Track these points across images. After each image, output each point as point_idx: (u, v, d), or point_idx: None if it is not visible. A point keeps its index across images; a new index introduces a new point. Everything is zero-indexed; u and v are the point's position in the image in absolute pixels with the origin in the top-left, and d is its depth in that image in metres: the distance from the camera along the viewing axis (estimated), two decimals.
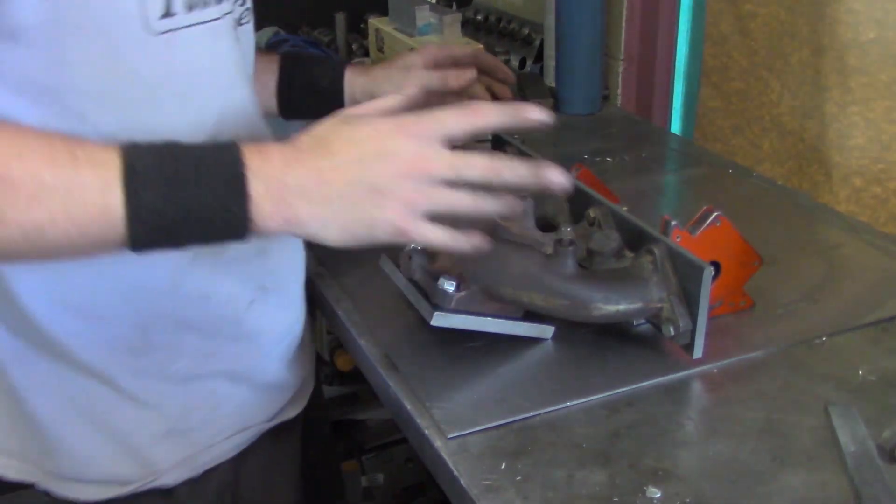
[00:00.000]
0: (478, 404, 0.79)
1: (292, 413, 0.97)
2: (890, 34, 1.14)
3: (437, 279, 0.84)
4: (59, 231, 0.61)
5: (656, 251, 0.83)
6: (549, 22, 1.58)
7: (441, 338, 0.87)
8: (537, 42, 1.72)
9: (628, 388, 0.81)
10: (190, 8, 0.72)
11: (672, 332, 0.82)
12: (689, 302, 0.81)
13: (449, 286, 0.83)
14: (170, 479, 0.85)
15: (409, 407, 0.80)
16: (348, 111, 0.71)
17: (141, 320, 0.79)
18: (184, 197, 0.62)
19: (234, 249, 0.76)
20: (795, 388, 0.81)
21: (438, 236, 0.69)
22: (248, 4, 0.85)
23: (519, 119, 0.69)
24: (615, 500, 0.68)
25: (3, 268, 0.75)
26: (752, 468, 0.72)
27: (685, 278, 0.81)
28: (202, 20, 0.73)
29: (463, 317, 0.84)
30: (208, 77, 0.76)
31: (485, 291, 0.84)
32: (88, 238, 0.62)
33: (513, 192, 0.70)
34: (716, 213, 0.88)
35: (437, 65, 1.11)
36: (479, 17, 1.88)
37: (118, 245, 0.63)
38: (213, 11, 0.74)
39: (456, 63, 1.12)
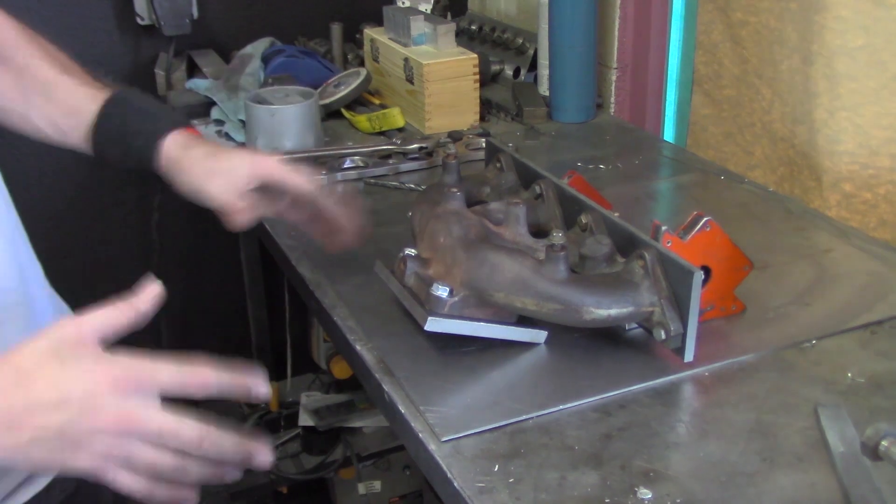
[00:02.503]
0: (471, 408, 0.80)
1: (26, 495, 0.84)
2: (877, 41, 1.15)
3: (430, 285, 0.85)
4: None
5: (647, 256, 0.84)
6: (543, 31, 1.59)
7: (435, 343, 0.88)
8: (531, 51, 1.73)
9: (620, 391, 0.82)
10: None
11: (663, 336, 0.83)
12: (680, 306, 0.82)
13: (442, 292, 0.84)
14: None
15: (403, 411, 0.81)
16: (64, 331, 0.64)
17: None
18: None
19: None
20: (785, 391, 0.82)
21: (135, 487, 0.65)
22: None
23: (238, 392, 0.67)
24: (607, 501, 0.69)
25: None
26: (742, 469, 0.72)
27: (676, 283, 0.82)
28: None
29: (456, 322, 0.85)
30: None
31: (478, 296, 0.85)
32: None
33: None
34: (706, 219, 0.89)
35: (267, 186, 0.94)
36: (473, 27, 1.89)
37: None
38: None
39: (292, 197, 0.95)
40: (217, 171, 0.91)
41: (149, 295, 0.67)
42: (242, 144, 1.45)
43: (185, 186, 0.92)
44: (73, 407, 0.61)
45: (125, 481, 0.64)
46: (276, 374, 2.16)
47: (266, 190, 0.93)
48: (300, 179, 0.93)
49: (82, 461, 0.63)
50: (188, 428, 0.64)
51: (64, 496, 0.89)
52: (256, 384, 0.67)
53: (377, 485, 1.93)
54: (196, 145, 0.94)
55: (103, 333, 0.65)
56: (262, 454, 0.67)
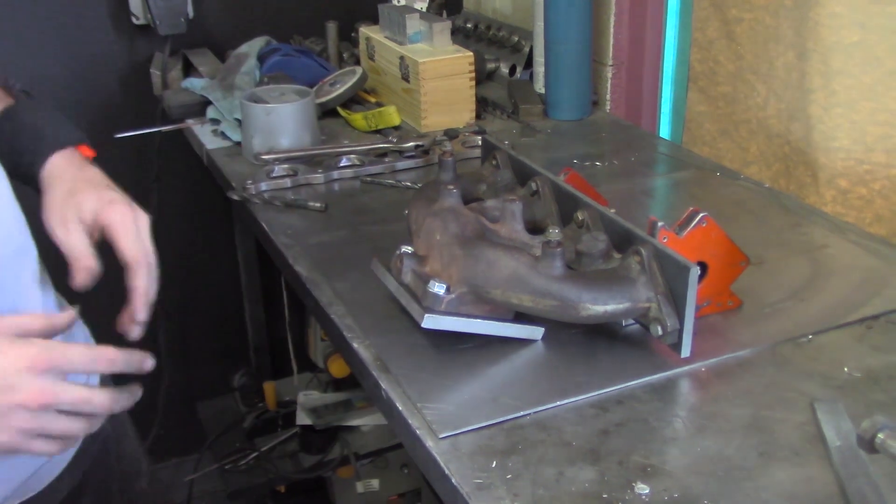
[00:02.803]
0: (469, 405, 0.80)
1: (36, 487, 0.88)
2: (872, 37, 1.16)
3: (427, 282, 0.85)
4: None
5: (643, 252, 0.84)
6: (538, 29, 1.60)
7: (432, 340, 0.88)
8: (527, 49, 1.73)
9: (617, 387, 0.82)
10: None
11: (660, 332, 0.83)
12: (677, 302, 0.82)
13: (439, 289, 0.84)
14: None
15: (401, 408, 0.81)
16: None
17: None
18: None
19: None
20: (782, 386, 0.82)
21: (45, 451, 0.73)
22: None
23: (135, 368, 0.76)
24: (604, 496, 0.69)
25: None
26: (739, 464, 0.73)
27: (672, 278, 0.83)
28: None
29: (453, 319, 0.85)
30: None
31: (475, 293, 0.85)
32: None
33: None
34: (702, 214, 0.89)
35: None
36: (468, 25, 1.89)
37: None
38: None
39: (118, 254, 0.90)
40: (67, 218, 0.87)
41: (66, 318, 0.77)
42: (238, 144, 1.45)
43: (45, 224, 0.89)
44: None
45: (39, 447, 0.72)
46: (273, 373, 2.16)
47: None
48: (128, 244, 0.87)
49: (3, 435, 0.69)
50: (98, 396, 0.73)
51: (72, 486, 0.91)
52: (145, 360, 0.77)
53: (375, 483, 1.93)
54: (65, 178, 0.90)
55: (18, 331, 0.72)
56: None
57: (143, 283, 0.87)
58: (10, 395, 0.69)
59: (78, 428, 0.74)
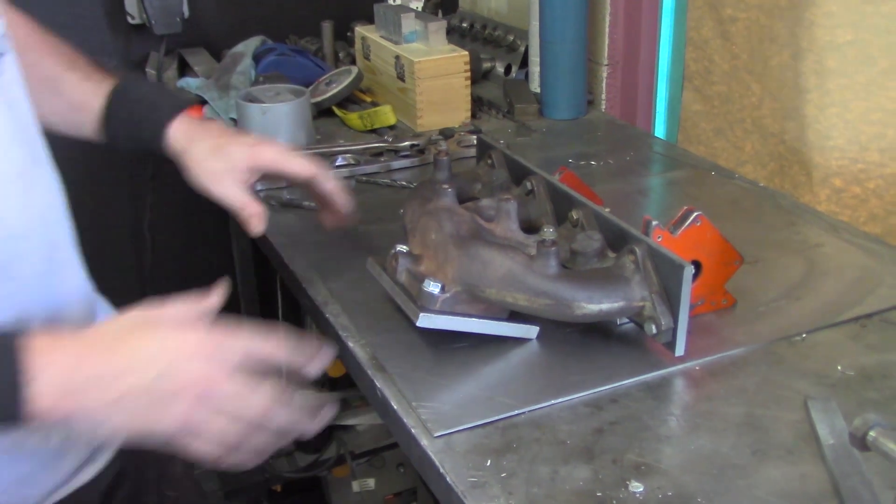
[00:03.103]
0: (464, 403, 0.81)
1: (85, 478, 0.87)
2: (866, 36, 1.16)
3: (422, 281, 0.85)
4: None
5: (638, 251, 0.84)
6: (534, 28, 1.60)
7: (427, 339, 0.89)
8: (522, 48, 1.73)
9: (612, 385, 0.83)
10: None
11: (654, 331, 0.83)
12: (671, 300, 0.83)
13: (434, 288, 0.84)
14: None
15: (396, 407, 0.81)
16: (152, 312, 0.71)
17: None
18: None
19: None
20: (776, 384, 0.83)
21: (204, 452, 0.71)
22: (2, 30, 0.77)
23: (301, 367, 0.74)
24: (598, 494, 0.70)
25: None
26: (733, 462, 0.73)
27: (666, 277, 0.83)
28: None
29: (448, 318, 0.85)
30: None
31: (469, 292, 0.85)
32: None
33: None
34: (696, 213, 0.89)
35: (265, 173, 0.97)
36: (464, 25, 1.89)
37: None
38: None
39: (291, 182, 1.01)
40: (218, 171, 0.93)
41: (218, 296, 0.75)
42: None
43: (194, 184, 0.94)
44: (157, 369, 0.67)
45: (199, 447, 0.69)
46: None
47: (268, 176, 0.97)
48: (298, 165, 0.95)
49: (163, 423, 0.68)
50: (256, 400, 0.70)
51: (114, 474, 0.91)
52: (315, 364, 0.74)
53: (371, 482, 1.93)
54: (198, 138, 0.95)
55: (177, 320, 0.71)
56: (321, 418, 0.74)
57: (330, 182, 0.94)
58: (175, 379, 0.67)
59: (237, 433, 0.70)
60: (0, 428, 0.66)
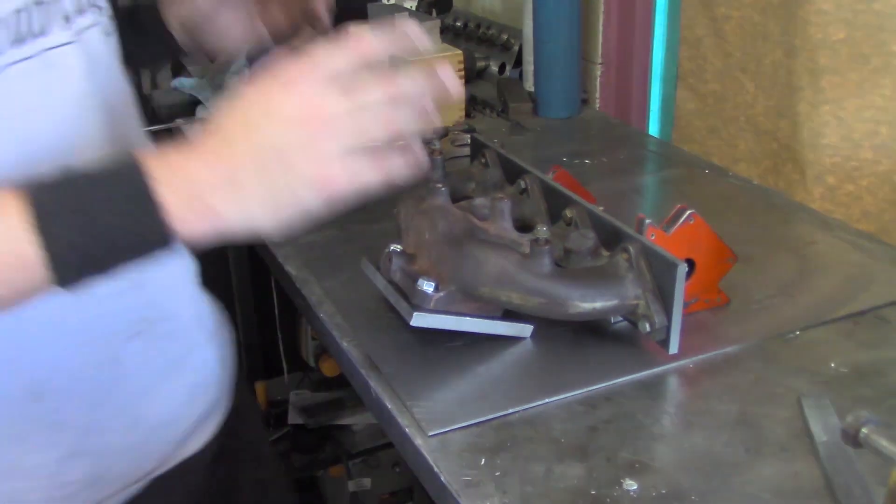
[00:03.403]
0: (458, 402, 0.81)
1: (192, 448, 0.90)
2: (858, 34, 1.16)
3: (416, 280, 0.85)
4: None
5: (631, 249, 0.84)
6: (528, 27, 1.60)
7: (421, 338, 0.88)
8: (516, 47, 1.73)
9: (606, 384, 0.83)
10: (20, 41, 0.67)
11: (648, 329, 0.83)
12: (665, 299, 0.83)
13: (428, 287, 0.84)
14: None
15: (390, 406, 0.81)
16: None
17: (27, 369, 0.76)
18: (98, 226, 0.60)
19: (104, 286, 0.67)
20: (769, 381, 0.83)
21: (368, 174, 0.63)
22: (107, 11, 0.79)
23: (400, 40, 0.67)
24: (592, 492, 0.70)
25: None
26: (726, 459, 0.73)
27: (660, 275, 0.83)
28: (36, 51, 0.69)
29: (442, 317, 0.85)
30: (53, 110, 0.72)
31: (463, 291, 0.85)
32: (14, 287, 0.61)
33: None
34: (689, 212, 0.89)
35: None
36: (458, 24, 1.89)
37: (46, 286, 0.61)
38: (55, 38, 0.70)
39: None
40: None
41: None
42: None
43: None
44: (260, 123, 0.62)
45: (355, 174, 0.62)
46: (264, 373, 2.16)
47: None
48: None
49: (301, 169, 0.61)
50: (374, 84, 0.64)
51: (213, 454, 0.93)
52: (412, 29, 0.67)
53: (367, 482, 1.93)
54: None
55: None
56: (449, 77, 0.69)
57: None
58: (281, 120, 0.62)
59: (380, 127, 0.63)
60: (151, 249, 0.62)
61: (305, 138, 0.61)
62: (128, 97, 0.83)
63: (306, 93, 0.62)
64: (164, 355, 0.85)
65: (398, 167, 0.65)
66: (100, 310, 0.77)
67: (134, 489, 0.85)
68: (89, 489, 0.81)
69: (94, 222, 0.60)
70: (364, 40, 0.65)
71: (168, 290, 0.86)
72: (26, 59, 0.68)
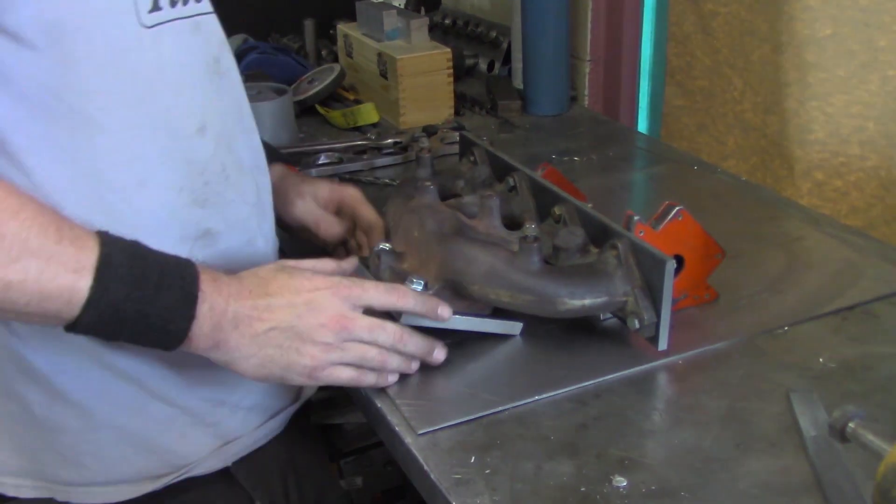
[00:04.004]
0: (447, 400, 0.81)
1: (310, 392, 0.98)
2: (845, 30, 1.17)
3: (405, 278, 0.85)
4: (23, 294, 0.65)
5: (620, 246, 0.84)
6: (516, 25, 1.60)
7: None
8: (505, 45, 1.73)
9: (595, 380, 0.83)
10: (173, 3, 0.75)
11: (637, 325, 0.83)
12: (654, 295, 0.83)
13: (417, 285, 0.84)
14: (201, 469, 0.85)
15: (379, 405, 0.81)
16: (289, 262, 0.81)
17: None
18: (142, 299, 0.68)
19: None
20: (758, 377, 0.83)
21: (345, 377, 0.79)
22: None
23: (429, 314, 0.82)
24: (582, 489, 0.70)
25: None
26: (716, 455, 0.73)
27: (648, 272, 0.83)
28: (182, 15, 0.77)
29: None
30: (193, 69, 0.79)
31: (453, 289, 0.85)
32: (42, 308, 0.66)
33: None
34: (678, 208, 0.89)
35: (339, 208, 1.05)
36: (447, 21, 1.89)
37: (59, 320, 0.68)
38: (189, 9, 0.78)
39: (357, 220, 1.06)
40: (304, 192, 1.03)
41: (352, 263, 0.86)
42: None
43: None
44: (301, 305, 0.75)
45: (337, 375, 0.78)
46: None
47: (340, 212, 1.05)
48: (369, 210, 1.03)
49: (306, 357, 0.76)
50: (389, 328, 0.79)
51: (286, 454, 0.96)
52: (443, 310, 0.82)
53: (359, 481, 1.93)
54: (288, 176, 1.05)
55: (318, 269, 0.81)
56: (439, 352, 0.83)
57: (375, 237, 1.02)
58: (316, 314, 0.75)
59: (374, 356, 0.79)
60: (160, 342, 0.71)
61: (323, 338, 0.76)
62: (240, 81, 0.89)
63: (346, 308, 0.77)
64: None
65: (368, 382, 0.81)
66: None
67: (271, 426, 0.92)
68: (230, 422, 0.88)
69: (139, 295, 0.68)
70: (407, 298, 0.80)
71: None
72: (180, 18, 0.76)
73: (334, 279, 0.78)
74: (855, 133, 1.20)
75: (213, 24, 0.82)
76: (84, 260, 0.66)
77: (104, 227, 0.70)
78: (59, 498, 0.83)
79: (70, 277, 0.66)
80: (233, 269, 0.79)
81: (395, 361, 0.80)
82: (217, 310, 0.72)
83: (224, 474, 0.87)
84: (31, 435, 0.81)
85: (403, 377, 0.83)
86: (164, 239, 0.75)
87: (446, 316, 0.82)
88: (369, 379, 0.80)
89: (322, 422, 1.96)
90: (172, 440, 0.84)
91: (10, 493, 0.83)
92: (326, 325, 0.75)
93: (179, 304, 0.70)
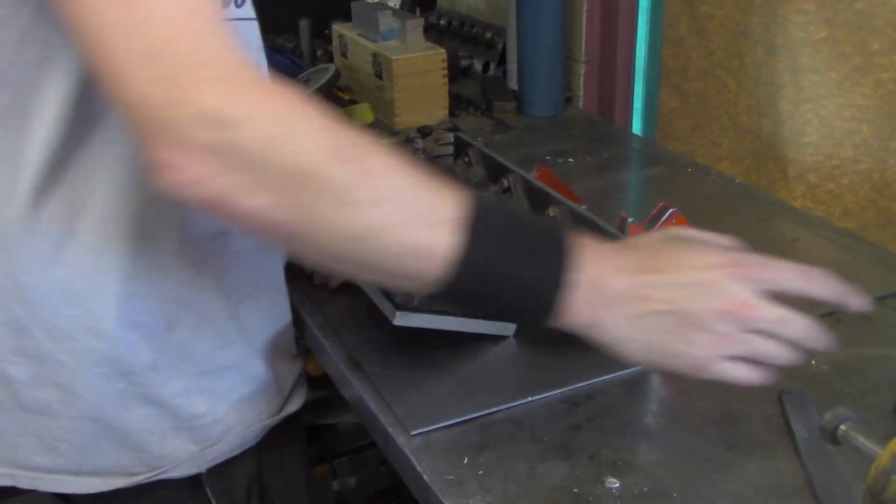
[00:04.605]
0: (441, 401, 0.81)
1: (293, 408, 0.95)
2: (839, 33, 1.17)
3: None
4: (386, 241, 0.60)
5: None
6: (512, 26, 1.60)
7: (404, 337, 0.88)
8: (500, 46, 1.73)
9: (588, 382, 0.83)
10: (238, 3, 0.78)
11: None
12: None
13: None
14: (176, 473, 0.85)
15: (372, 406, 0.81)
16: (678, 231, 0.70)
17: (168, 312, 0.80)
18: (512, 261, 0.61)
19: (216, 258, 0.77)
20: None
21: (741, 375, 0.66)
22: None
23: (841, 302, 0.68)
24: (575, 490, 0.70)
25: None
26: (708, 457, 0.73)
27: None
28: (240, 16, 0.78)
29: (425, 316, 0.85)
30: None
31: None
32: (403, 262, 0.61)
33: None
34: (671, 210, 0.90)
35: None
36: (442, 22, 1.89)
37: (421, 281, 0.62)
38: (230, 12, 0.78)
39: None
40: None
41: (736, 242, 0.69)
42: None
43: None
44: (695, 286, 0.63)
45: (735, 372, 0.65)
46: None
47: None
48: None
49: (697, 348, 0.63)
50: (800, 321, 0.65)
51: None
52: (855, 301, 0.67)
53: (352, 481, 1.93)
54: None
55: (715, 243, 0.68)
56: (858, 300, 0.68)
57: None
58: (712, 299, 0.63)
59: (779, 354, 0.65)
60: (525, 313, 0.65)
61: (719, 327, 0.63)
62: None
63: (749, 294, 0.63)
64: (267, 318, 0.90)
65: (755, 381, 0.66)
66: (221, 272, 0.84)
67: (248, 434, 0.88)
68: (210, 427, 0.86)
69: (509, 257, 0.61)
70: (819, 282, 0.66)
71: (263, 269, 0.89)
72: (238, 18, 0.77)
73: (734, 256, 0.66)
74: (848, 136, 1.20)
75: (253, 30, 0.81)
76: (452, 213, 0.61)
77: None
78: (24, 485, 0.82)
79: (437, 231, 0.60)
80: (243, 270, 0.77)
81: (789, 357, 0.67)
82: (596, 283, 0.63)
83: (193, 480, 0.86)
84: (7, 416, 0.80)
85: (400, 376, 0.83)
86: (184, 234, 0.75)
87: (857, 306, 0.68)
88: (758, 377, 0.66)
89: (315, 422, 1.96)
90: (153, 441, 0.83)
91: None
92: (725, 312, 0.63)
93: (555, 271, 0.62)
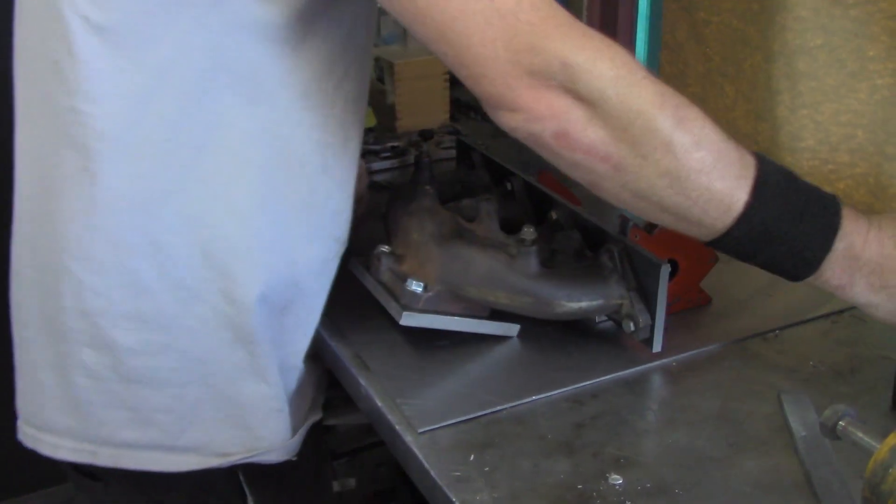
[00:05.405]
0: (447, 400, 0.82)
1: (319, 405, 1.00)
2: (835, 39, 1.19)
3: (405, 280, 0.87)
4: (698, 183, 0.66)
5: (615, 250, 0.86)
6: None
7: (410, 337, 0.90)
8: None
9: (591, 381, 0.84)
10: None
11: (632, 328, 0.85)
12: (648, 298, 0.85)
13: (417, 287, 0.86)
14: (269, 457, 0.85)
15: (380, 404, 0.82)
16: None
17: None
18: (784, 224, 0.68)
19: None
20: (750, 379, 0.85)
21: None
22: None
23: None
24: (579, 487, 0.71)
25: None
26: (709, 454, 0.75)
27: (643, 276, 0.85)
28: None
29: (431, 316, 0.86)
30: None
31: (451, 291, 0.87)
32: (706, 207, 0.67)
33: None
34: None
35: None
36: None
37: (711, 228, 0.69)
38: None
39: None
40: None
41: None
42: None
43: None
44: None
45: None
46: None
47: None
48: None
49: None
50: None
51: None
52: None
53: (352, 482, 1.94)
54: None
55: None
56: None
57: None
58: None
59: None
60: (788, 270, 0.72)
61: None
62: None
63: None
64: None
65: None
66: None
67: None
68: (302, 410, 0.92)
69: (783, 221, 0.68)
70: None
71: None
72: None
73: None
74: (844, 141, 1.22)
75: None
76: (747, 170, 0.67)
77: None
78: (104, 463, 0.81)
79: (733, 183, 0.67)
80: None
81: None
82: (853, 250, 0.70)
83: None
84: (101, 387, 0.78)
85: (406, 376, 0.85)
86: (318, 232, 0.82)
87: None
88: None
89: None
90: (256, 418, 0.82)
91: (47, 451, 0.81)
92: None
93: (820, 234, 0.69)
